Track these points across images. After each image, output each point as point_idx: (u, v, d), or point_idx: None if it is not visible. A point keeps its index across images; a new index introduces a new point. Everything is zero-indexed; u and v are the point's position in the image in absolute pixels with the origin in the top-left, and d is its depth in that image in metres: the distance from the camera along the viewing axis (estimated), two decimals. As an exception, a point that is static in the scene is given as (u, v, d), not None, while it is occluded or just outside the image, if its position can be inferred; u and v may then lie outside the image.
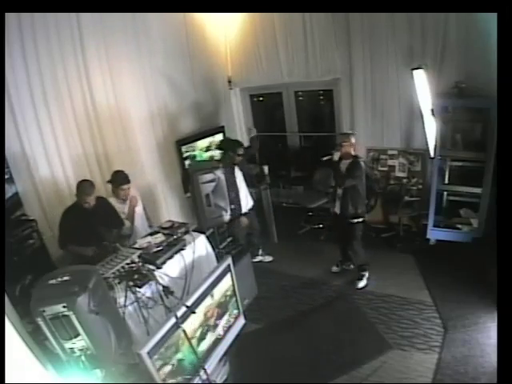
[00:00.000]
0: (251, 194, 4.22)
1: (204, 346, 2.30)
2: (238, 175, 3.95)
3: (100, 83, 3.72)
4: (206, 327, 2.33)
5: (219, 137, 5.12)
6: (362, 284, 3.74)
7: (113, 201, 3.36)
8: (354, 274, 3.85)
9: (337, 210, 3.69)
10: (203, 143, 4.92)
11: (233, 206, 3.81)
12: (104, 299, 1.75)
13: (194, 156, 4.80)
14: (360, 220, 3.61)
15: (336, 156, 3.54)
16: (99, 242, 2.88)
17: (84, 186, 2.96)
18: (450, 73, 3.91)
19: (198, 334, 2.23)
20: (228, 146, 4.06)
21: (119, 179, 3.34)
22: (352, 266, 3.96)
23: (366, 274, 3.78)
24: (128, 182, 3.35)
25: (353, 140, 3.53)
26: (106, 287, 1.97)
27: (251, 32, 5.03)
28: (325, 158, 3.61)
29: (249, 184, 4.15)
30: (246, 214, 4.02)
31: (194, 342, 2.12)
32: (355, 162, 3.50)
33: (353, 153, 3.53)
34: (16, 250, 2.89)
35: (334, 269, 4.04)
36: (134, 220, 3.45)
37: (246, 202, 4.03)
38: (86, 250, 2.91)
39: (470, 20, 3.61)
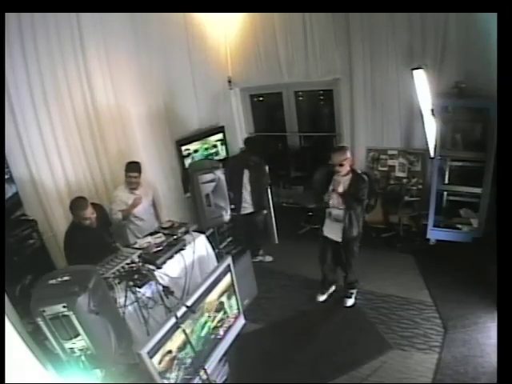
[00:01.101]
0: (258, 200, 4.14)
1: (204, 345, 2.30)
2: (246, 177, 3.98)
3: (100, 83, 3.71)
4: (206, 327, 2.33)
5: (219, 136, 5.12)
6: (351, 302, 3.50)
7: (122, 188, 3.49)
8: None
9: (329, 233, 3.26)
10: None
11: (233, 206, 3.82)
12: (104, 299, 1.75)
13: (196, 151, 4.83)
14: (359, 236, 3.26)
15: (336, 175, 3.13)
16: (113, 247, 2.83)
17: (77, 203, 2.86)
18: (450, 73, 3.91)
19: (198, 333, 2.23)
20: (254, 146, 4.10)
21: (130, 167, 3.45)
22: (334, 288, 3.70)
23: (355, 292, 3.56)
24: (136, 171, 3.44)
25: (348, 154, 3.11)
26: (106, 287, 1.97)
27: (251, 32, 5.03)
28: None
29: (254, 187, 4.06)
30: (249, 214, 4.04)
31: (193, 341, 2.12)
32: (358, 177, 3.10)
33: (350, 168, 3.11)
34: (16, 250, 2.89)
35: (321, 297, 3.65)
36: (128, 217, 3.49)
37: (249, 204, 4.06)
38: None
39: (469, 20, 3.61)
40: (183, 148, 4.65)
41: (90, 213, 2.84)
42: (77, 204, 2.84)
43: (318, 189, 3.33)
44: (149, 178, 4.27)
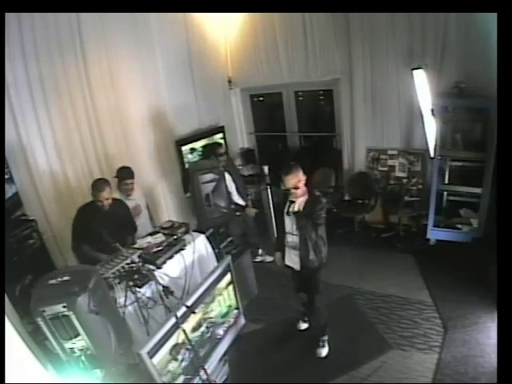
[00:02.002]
0: (244, 196, 4.19)
1: (204, 345, 2.30)
2: (228, 179, 3.90)
3: (100, 83, 3.72)
4: (206, 327, 2.33)
5: (219, 136, 5.12)
6: (325, 351, 3.00)
7: (117, 196, 3.39)
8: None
9: (289, 261, 2.88)
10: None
11: (226, 210, 3.78)
12: (104, 299, 1.75)
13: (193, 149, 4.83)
14: (321, 267, 2.82)
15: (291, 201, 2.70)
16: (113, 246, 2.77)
17: (97, 183, 2.95)
18: (450, 73, 3.91)
19: (198, 333, 2.23)
20: (209, 150, 4.10)
21: (122, 174, 3.39)
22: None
23: (327, 338, 3.04)
24: (130, 177, 3.40)
25: (301, 175, 2.66)
26: (106, 287, 1.97)
27: (251, 32, 5.03)
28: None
29: (239, 186, 4.08)
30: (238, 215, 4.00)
31: (193, 341, 2.12)
32: (314, 198, 2.68)
33: (305, 188, 2.70)
34: (16, 250, 2.89)
35: (302, 325, 3.30)
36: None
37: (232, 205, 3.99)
38: (102, 257, 2.65)
39: (470, 20, 3.61)
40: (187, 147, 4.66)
41: (105, 196, 2.90)
42: (97, 184, 2.94)
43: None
44: (149, 178, 4.28)
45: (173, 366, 1.98)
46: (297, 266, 2.82)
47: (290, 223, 2.76)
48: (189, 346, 2.05)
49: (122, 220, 3.11)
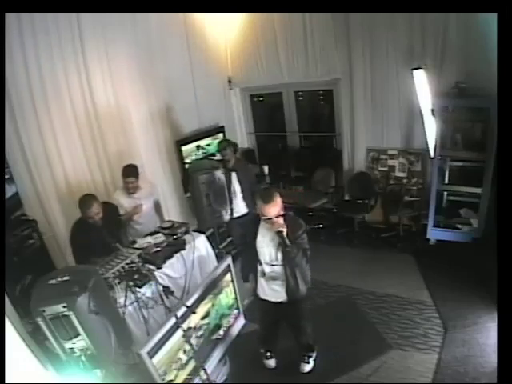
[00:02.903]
0: (249, 202, 3.94)
1: (204, 345, 2.30)
2: (234, 180, 3.88)
3: (100, 83, 3.72)
4: (206, 327, 2.33)
5: (219, 137, 5.12)
6: (309, 367, 2.85)
7: (120, 193, 3.44)
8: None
9: (267, 295, 2.54)
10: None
11: (228, 211, 3.76)
12: (104, 299, 1.75)
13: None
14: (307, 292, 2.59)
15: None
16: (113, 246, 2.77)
17: (83, 200, 2.85)
18: (450, 73, 3.91)
19: (197, 333, 2.23)
20: (218, 146, 4.08)
21: (126, 172, 3.39)
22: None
23: (314, 355, 2.90)
24: (133, 175, 3.39)
25: (279, 199, 2.31)
26: (106, 287, 1.97)
27: (251, 32, 5.03)
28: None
29: (245, 190, 3.93)
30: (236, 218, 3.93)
31: (193, 341, 2.12)
32: (293, 221, 2.40)
33: (282, 213, 2.33)
34: (16, 250, 2.89)
35: (272, 363, 2.94)
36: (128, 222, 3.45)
37: (238, 208, 3.94)
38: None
39: (470, 20, 3.61)
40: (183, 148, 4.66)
41: (94, 212, 2.82)
42: (83, 201, 2.85)
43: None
44: (149, 178, 4.27)
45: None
46: (281, 298, 2.51)
47: (269, 253, 2.42)
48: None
49: (113, 224, 3.08)
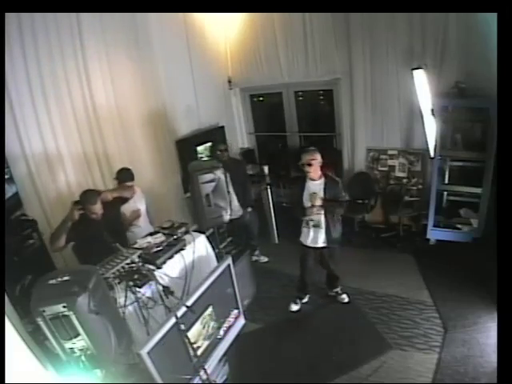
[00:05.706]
0: (243, 202, 3.95)
1: (204, 346, 2.30)
2: (227, 180, 3.77)
3: (100, 83, 3.71)
4: (206, 327, 2.33)
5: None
6: (347, 297, 3.56)
7: None
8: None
9: (310, 242, 3.19)
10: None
11: (228, 211, 3.73)
12: (104, 299, 1.75)
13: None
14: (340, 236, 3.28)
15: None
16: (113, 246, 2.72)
17: (87, 196, 2.80)
18: (450, 73, 3.91)
19: (197, 334, 2.23)
20: (212, 148, 4.14)
21: (122, 175, 3.36)
22: (307, 299, 3.62)
23: (340, 288, 3.59)
24: (130, 179, 3.36)
25: (318, 156, 3.04)
26: (106, 287, 1.97)
27: (251, 32, 5.03)
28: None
29: (238, 191, 3.84)
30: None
31: (193, 341, 2.12)
32: (331, 180, 3.09)
33: (321, 172, 3.08)
34: (16, 250, 2.88)
35: (294, 307, 3.55)
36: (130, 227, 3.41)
37: (233, 210, 3.79)
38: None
39: (470, 20, 3.61)
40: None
41: (98, 208, 2.79)
42: (87, 197, 2.77)
43: (295, 200, 3.23)
44: (149, 178, 4.28)
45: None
46: (321, 244, 3.15)
47: (312, 206, 3.01)
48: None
49: (116, 221, 3.07)
